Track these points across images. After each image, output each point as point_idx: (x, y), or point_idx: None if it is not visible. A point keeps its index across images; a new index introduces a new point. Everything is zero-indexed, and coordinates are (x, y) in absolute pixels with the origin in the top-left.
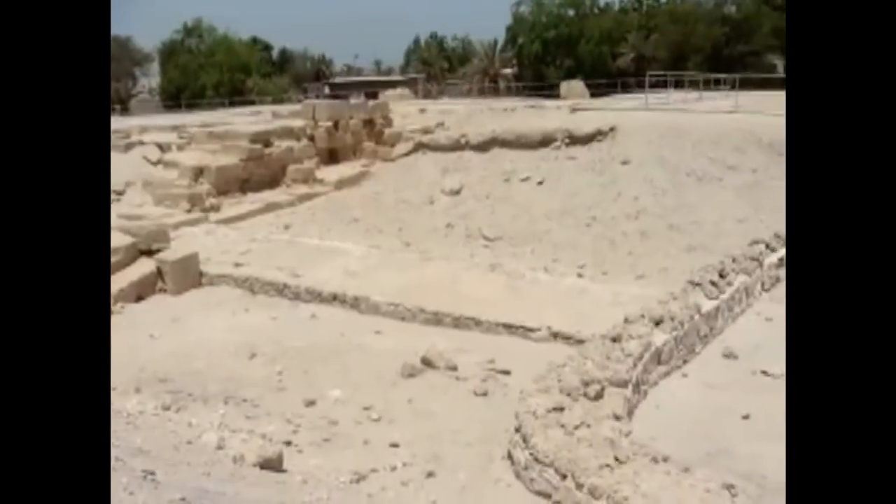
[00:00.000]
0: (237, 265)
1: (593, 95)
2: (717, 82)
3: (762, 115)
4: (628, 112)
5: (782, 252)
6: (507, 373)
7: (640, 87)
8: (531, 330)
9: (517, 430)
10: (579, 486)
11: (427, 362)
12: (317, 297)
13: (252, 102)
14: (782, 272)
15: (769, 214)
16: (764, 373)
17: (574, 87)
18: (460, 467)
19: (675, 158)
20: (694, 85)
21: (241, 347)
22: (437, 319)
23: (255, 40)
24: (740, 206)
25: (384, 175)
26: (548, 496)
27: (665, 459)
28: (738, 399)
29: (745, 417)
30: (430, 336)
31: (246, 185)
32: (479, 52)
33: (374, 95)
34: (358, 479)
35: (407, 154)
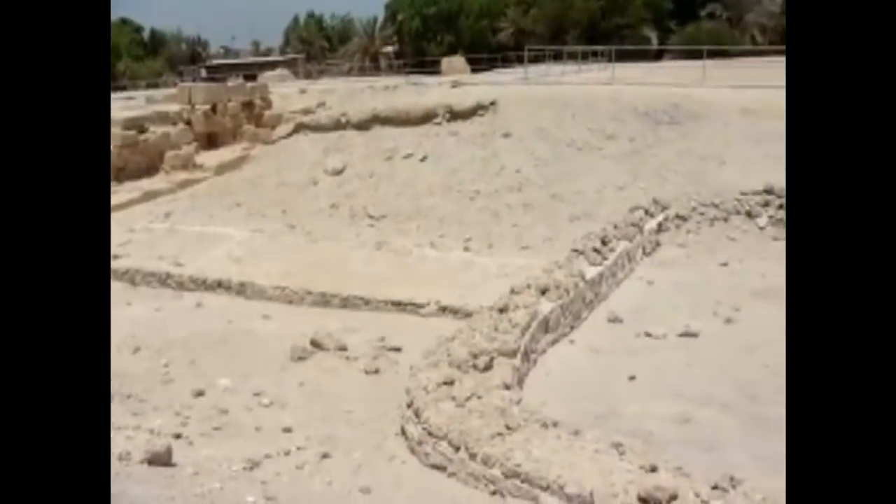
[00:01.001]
0: (116, 257)
1: (474, 70)
2: (595, 55)
3: (638, 85)
4: (508, 86)
5: (661, 217)
6: (397, 350)
7: (521, 61)
8: (420, 306)
9: (409, 405)
10: (472, 457)
11: (316, 344)
12: (201, 285)
13: (124, 87)
14: (662, 237)
15: (647, 181)
16: (647, 334)
17: (455, 63)
18: (355, 447)
19: (556, 130)
20: (572, 58)
21: (124, 342)
22: (325, 301)
23: (123, 21)
24: (619, 174)
25: (265, 158)
26: (443, 469)
27: (555, 424)
28: (623, 361)
29: (631, 378)
30: (319, 318)
31: (121, 173)
32: (359, 30)
33: (252, 77)
34: (251, 466)
35: (288, 136)
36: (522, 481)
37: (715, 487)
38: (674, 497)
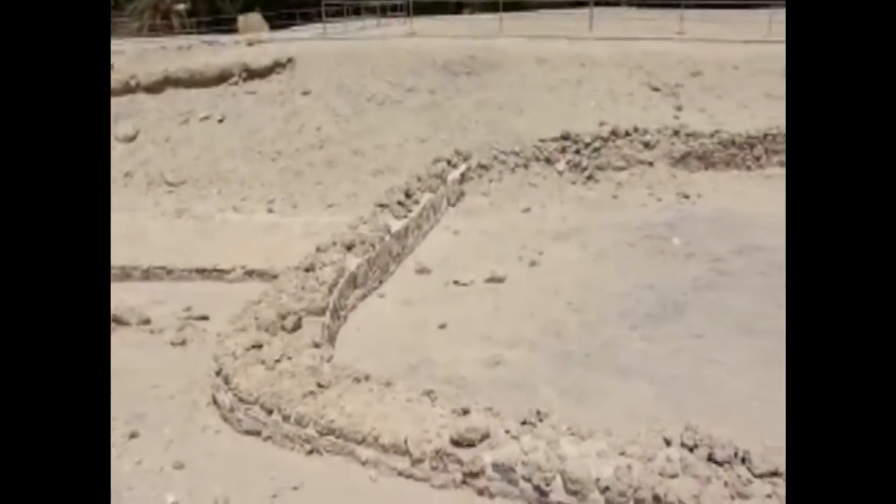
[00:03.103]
0: None
1: (273, 28)
2: (395, 9)
3: (436, 38)
4: (306, 42)
5: (463, 167)
6: (204, 318)
7: (321, 17)
8: (225, 272)
9: (218, 373)
10: (286, 418)
11: (118, 320)
12: None
13: None
14: (466, 186)
15: (448, 133)
16: (456, 282)
17: (252, 21)
18: (165, 422)
19: (355, 85)
20: (371, 12)
21: None
22: (125, 274)
23: None
24: (421, 126)
25: None
26: (257, 433)
27: (367, 378)
28: (433, 311)
29: (442, 327)
30: (120, 292)
31: None
32: None
33: None
34: None
35: None
36: (338, 437)
37: (524, 422)
38: (485, 436)
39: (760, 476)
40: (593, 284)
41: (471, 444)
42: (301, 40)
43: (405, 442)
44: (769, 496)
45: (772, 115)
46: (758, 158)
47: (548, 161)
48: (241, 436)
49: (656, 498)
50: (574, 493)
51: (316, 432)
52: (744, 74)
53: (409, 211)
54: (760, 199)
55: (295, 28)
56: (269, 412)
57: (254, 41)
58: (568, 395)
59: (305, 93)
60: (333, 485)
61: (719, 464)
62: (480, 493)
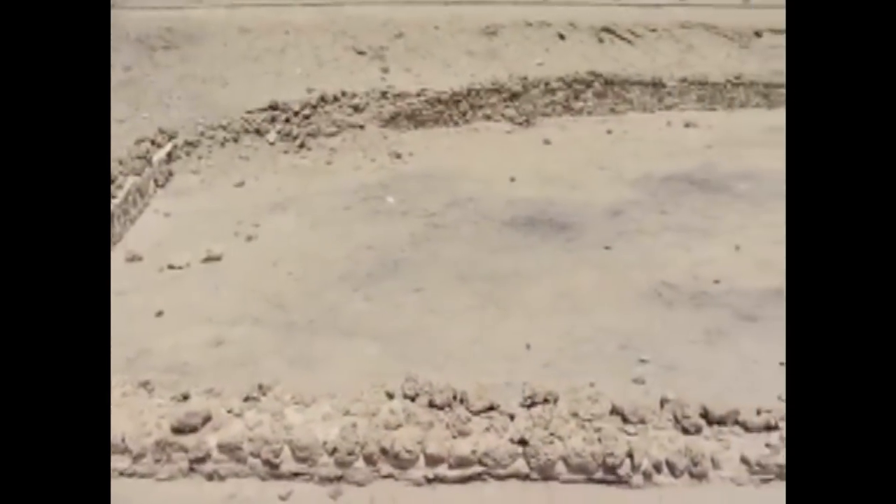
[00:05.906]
0: None
1: None
2: None
3: (128, 9)
4: None
5: (169, 146)
6: None
7: None
8: None
9: None
10: None
11: None
12: None
13: None
14: (174, 166)
15: (150, 111)
16: (171, 267)
17: None
18: None
19: None
20: None
21: None
22: None
23: None
24: (118, 106)
25: None
26: None
27: None
28: (149, 298)
29: (159, 314)
30: None
31: None
32: None
33: None
34: None
35: None
36: None
37: (247, 399)
38: (207, 419)
39: (478, 413)
40: (312, 252)
41: (193, 430)
42: None
43: (123, 439)
44: (487, 430)
45: (473, 73)
46: (464, 114)
47: (258, 132)
48: None
49: (383, 450)
50: (304, 461)
51: None
52: (445, 34)
53: (113, 197)
54: (469, 153)
55: None
56: None
57: None
58: (295, 364)
59: None
60: None
61: (440, 408)
62: (210, 477)
